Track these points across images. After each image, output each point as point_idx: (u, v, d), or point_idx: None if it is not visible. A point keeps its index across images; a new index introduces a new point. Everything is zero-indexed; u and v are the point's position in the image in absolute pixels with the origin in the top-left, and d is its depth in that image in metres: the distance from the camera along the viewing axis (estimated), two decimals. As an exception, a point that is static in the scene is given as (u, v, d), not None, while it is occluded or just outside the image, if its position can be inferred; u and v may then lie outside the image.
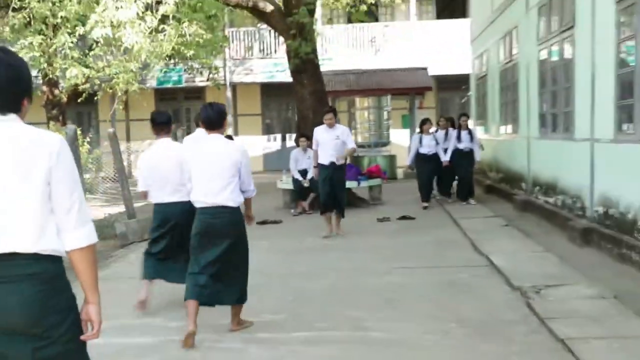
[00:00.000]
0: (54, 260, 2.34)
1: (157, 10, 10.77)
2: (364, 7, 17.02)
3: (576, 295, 5.54)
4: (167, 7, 10.52)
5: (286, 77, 19.90)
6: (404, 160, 20.18)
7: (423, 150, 12.25)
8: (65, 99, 16.85)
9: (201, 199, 4.95)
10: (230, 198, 4.90)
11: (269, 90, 24.03)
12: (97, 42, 12.34)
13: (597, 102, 7.87)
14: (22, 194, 2.25)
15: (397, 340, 4.77)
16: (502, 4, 13.17)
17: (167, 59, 14.70)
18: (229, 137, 6.32)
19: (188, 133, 16.60)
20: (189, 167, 5.05)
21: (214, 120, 4.97)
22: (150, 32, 11.17)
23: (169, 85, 22.89)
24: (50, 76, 15.71)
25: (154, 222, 5.98)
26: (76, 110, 22.36)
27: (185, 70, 19.64)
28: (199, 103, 23.83)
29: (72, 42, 12.50)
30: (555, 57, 9.72)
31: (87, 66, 14.06)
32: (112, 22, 10.20)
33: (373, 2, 19.67)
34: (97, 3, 10.58)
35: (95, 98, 17.73)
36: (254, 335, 5.01)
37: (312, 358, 4.49)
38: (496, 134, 14.45)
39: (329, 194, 9.22)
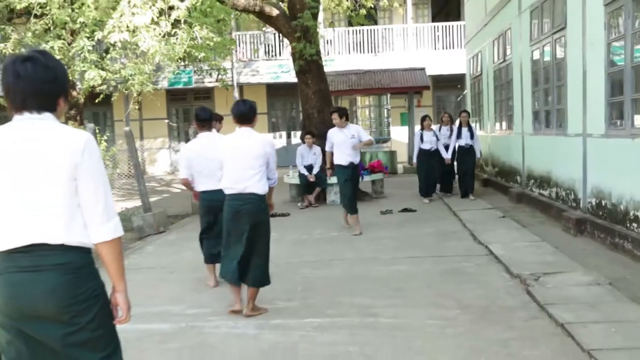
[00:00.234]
0: (82, 251, 2.35)
1: (169, 15, 10.74)
2: (363, 11, 16.96)
3: (573, 282, 5.51)
4: (180, 12, 10.48)
5: (290, 77, 19.94)
6: (404, 155, 20.25)
7: (424, 146, 12.04)
8: (82, 100, 16.84)
9: (231, 186, 5.13)
10: (258, 186, 5.10)
11: (274, 90, 24.04)
12: (113, 46, 12.31)
13: (588, 99, 7.84)
14: (49, 189, 2.27)
15: (404, 326, 4.75)
16: (495, 7, 13.12)
17: (179, 61, 14.67)
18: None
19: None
20: (221, 156, 5.25)
21: (246, 114, 5.19)
22: (163, 36, 11.14)
23: (180, 86, 22.87)
24: (70, 78, 15.69)
25: (201, 209, 6.27)
26: (92, 110, 22.38)
27: (194, 71, 19.60)
28: (208, 103, 23.93)
29: (90, 46, 12.46)
30: (548, 56, 9.68)
31: (103, 69, 14.03)
32: (128, 27, 10.16)
33: (372, 6, 19.63)
34: (114, 9, 10.55)
35: (113, 98, 17.76)
36: (268, 322, 5.00)
37: (323, 343, 4.47)
38: (491, 130, 14.42)
39: (352, 195, 8.80)
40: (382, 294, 5.65)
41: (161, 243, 8.99)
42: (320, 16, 16.59)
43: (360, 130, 8.98)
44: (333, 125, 8.96)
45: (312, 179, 12.00)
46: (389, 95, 19.33)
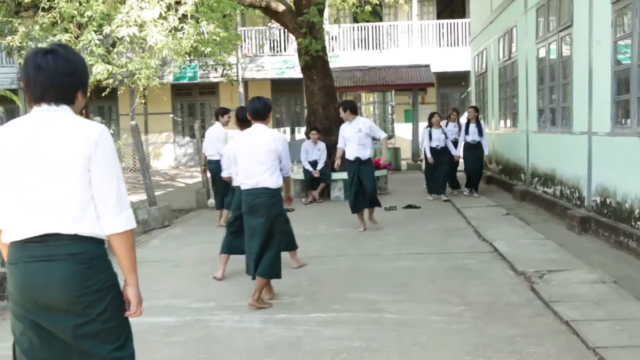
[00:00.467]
0: (95, 242, 2.36)
1: (177, 10, 10.73)
2: (368, 8, 16.92)
3: (578, 280, 5.50)
4: (187, 7, 10.47)
5: (295, 73, 19.94)
6: (408, 152, 20.22)
7: (433, 144, 11.57)
8: (88, 94, 16.85)
9: (245, 181, 5.23)
10: (270, 181, 5.15)
11: (279, 86, 24.01)
12: (120, 40, 12.31)
13: (594, 98, 7.81)
14: (63, 180, 2.28)
15: (408, 321, 4.74)
16: (501, 5, 13.08)
17: (186, 55, 14.66)
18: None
19: (203, 127, 16.58)
20: (235, 153, 5.39)
21: (260, 111, 5.26)
22: (170, 31, 11.13)
23: (185, 81, 22.86)
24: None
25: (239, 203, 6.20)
26: (98, 104, 22.40)
27: (200, 66, 19.59)
28: (213, 98, 23.94)
29: (98, 40, 12.45)
30: (554, 54, 9.64)
31: (109, 62, 14.02)
32: (136, 21, 10.16)
33: (377, 2, 19.60)
34: (122, 3, 10.55)
35: (119, 92, 17.74)
36: (273, 316, 5.00)
37: (328, 338, 4.46)
38: (496, 128, 14.38)
39: (357, 194, 8.53)
40: (387, 290, 5.64)
41: (166, 237, 9.00)
42: (326, 12, 16.55)
43: (371, 125, 8.75)
44: (338, 121, 8.92)
45: (316, 175, 11.99)
46: (393, 92, 19.28)
